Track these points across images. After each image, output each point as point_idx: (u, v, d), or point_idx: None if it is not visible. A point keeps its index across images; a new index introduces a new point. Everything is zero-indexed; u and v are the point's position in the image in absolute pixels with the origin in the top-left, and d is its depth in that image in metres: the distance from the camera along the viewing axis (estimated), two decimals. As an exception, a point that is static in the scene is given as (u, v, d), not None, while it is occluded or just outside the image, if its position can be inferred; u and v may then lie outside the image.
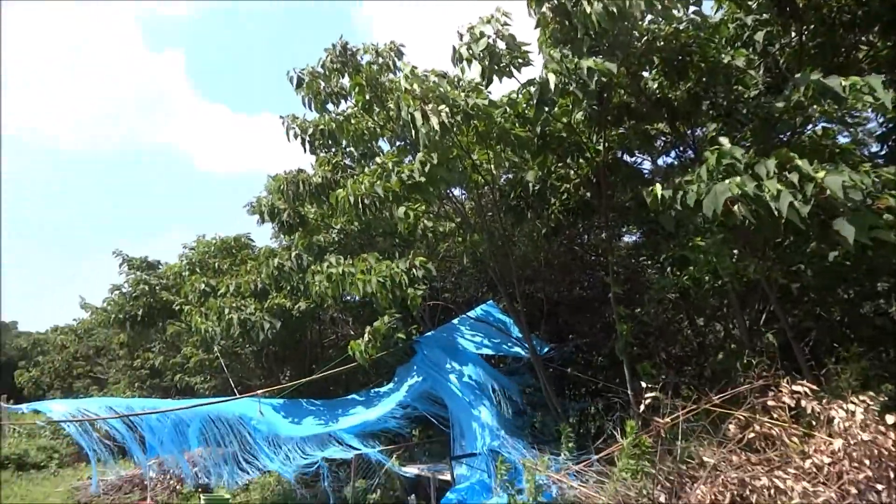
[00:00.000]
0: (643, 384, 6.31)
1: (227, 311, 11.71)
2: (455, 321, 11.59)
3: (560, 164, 9.26)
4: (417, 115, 6.91)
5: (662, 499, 5.76)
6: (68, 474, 17.91)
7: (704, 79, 7.50)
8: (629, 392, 8.36)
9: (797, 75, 6.06)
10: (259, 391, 10.33)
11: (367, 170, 8.82)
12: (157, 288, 15.70)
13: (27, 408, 9.45)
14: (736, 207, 5.25)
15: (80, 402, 10.20)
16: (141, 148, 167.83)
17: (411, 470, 10.29)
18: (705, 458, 5.71)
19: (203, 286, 13.25)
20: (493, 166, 9.19)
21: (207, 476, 13.24)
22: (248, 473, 11.42)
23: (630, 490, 5.96)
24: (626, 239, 12.54)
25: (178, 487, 12.87)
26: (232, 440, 10.00)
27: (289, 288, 11.83)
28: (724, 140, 5.88)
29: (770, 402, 5.75)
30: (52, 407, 9.17)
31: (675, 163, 9.23)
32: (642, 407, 6.08)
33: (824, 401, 5.42)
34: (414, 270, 8.36)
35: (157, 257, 18.01)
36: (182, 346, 18.10)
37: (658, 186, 6.07)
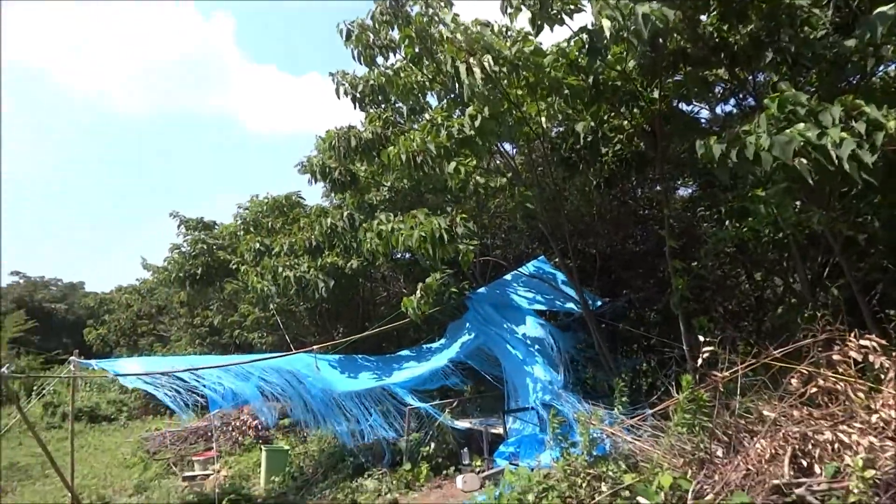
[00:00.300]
0: (700, 338, 6.18)
1: (281, 269, 11.94)
2: (507, 277, 11.55)
3: (613, 115, 8.99)
4: (461, 66, 6.77)
5: (720, 452, 5.68)
6: (137, 426, 18.86)
7: (766, 20, 7.11)
8: (684, 347, 8.23)
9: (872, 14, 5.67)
10: (314, 347, 10.55)
11: (417, 125, 8.73)
12: (213, 247, 16.12)
13: (97, 364, 9.86)
14: (797, 160, 4.99)
15: (146, 360, 10.66)
16: (193, 111, 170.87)
17: (463, 424, 10.43)
18: (765, 413, 5.59)
19: (258, 245, 13.52)
20: (543, 119, 8.98)
21: (266, 428, 13.78)
22: (305, 426, 11.77)
23: (686, 444, 5.90)
24: (682, 193, 12.21)
25: (239, 439, 13.39)
26: (289, 394, 10.29)
27: (341, 246, 11.97)
28: (787, 86, 5.58)
29: (835, 357, 5.57)
30: (122, 366, 9.54)
31: (735, 111, 8.87)
32: (699, 361, 5.97)
33: (894, 354, 5.21)
34: (455, 226, 8.30)
35: (211, 218, 18.48)
36: (239, 304, 18.61)
37: (711, 140, 5.82)
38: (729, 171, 5.83)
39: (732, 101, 9.08)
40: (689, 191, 11.82)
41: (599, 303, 11.17)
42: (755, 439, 5.47)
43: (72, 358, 9.35)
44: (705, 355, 5.93)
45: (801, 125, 5.00)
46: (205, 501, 8.94)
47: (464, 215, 8.37)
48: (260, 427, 13.63)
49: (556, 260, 11.24)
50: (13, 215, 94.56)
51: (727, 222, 8.86)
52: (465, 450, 10.21)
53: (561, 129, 10.13)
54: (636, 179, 11.45)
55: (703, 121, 9.07)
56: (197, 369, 9.43)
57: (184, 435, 14.18)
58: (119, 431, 18.55)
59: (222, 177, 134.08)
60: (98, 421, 19.99)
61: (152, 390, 9.03)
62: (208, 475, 9.90)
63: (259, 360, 10.03)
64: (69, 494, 8.34)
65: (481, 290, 11.26)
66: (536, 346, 10.13)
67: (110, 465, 12.95)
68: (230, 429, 13.73)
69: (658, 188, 10.65)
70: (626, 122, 9.00)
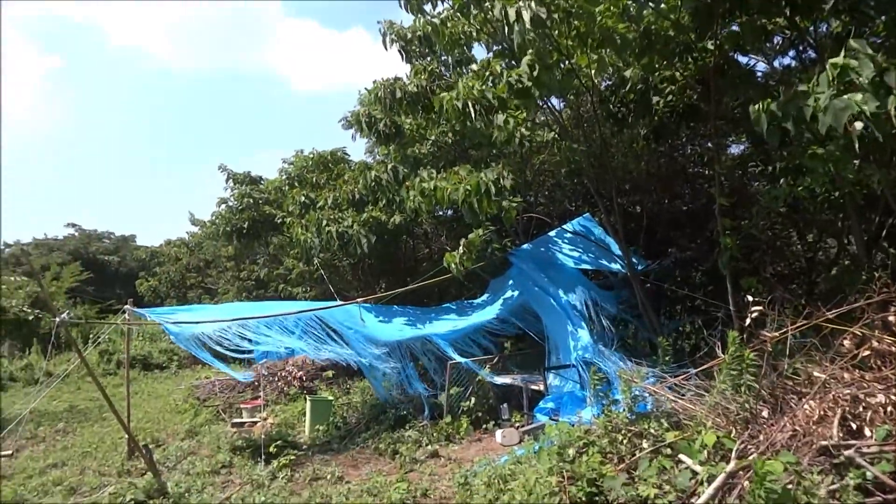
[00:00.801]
0: (749, 298, 6.04)
1: (325, 223, 12.05)
2: (551, 234, 11.42)
3: (665, 65, 8.67)
4: (510, 10, 6.59)
5: (765, 413, 5.61)
6: (187, 374, 19.53)
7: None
8: (731, 308, 8.07)
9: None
10: (359, 300, 10.69)
11: (471, 74, 8.55)
12: (259, 202, 16.34)
13: (149, 313, 10.18)
14: (854, 125, 4.74)
15: (195, 309, 10.95)
16: (237, 68, 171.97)
17: (504, 379, 10.49)
18: (815, 374, 5.47)
19: (303, 199, 13.66)
20: (593, 71, 8.73)
21: (311, 379, 14.11)
22: (348, 378, 12.02)
23: (731, 404, 5.83)
24: (733, 150, 11.82)
25: (285, 389, 13.74)
26: (332, 345, 10.49)
27: (384, 201, 12.01)
28: (859, 44, 5.25)
29: (890, 318, 5.40)
30: (173, 318, 9.82)
31: (794, 63, 8.47)
32: (748, 321, 5.84)
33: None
34: (502, 180, 8.19)
35: (257, 174, 18.69)
36: (284, 258, 18.94)
37: (764, 105, 5.55)
38: (777, 133, 5.58)
39: (791, 54, 8.68)
40: (741, 147, 11.44)
41: (644, 264, 11.00)
42: (803, 400, 5.38)
43: (126, 307, 9.68)
44: (754, 315, 5.81)
45: (859, 96, 4.74)
46: (253, 446, 9.24)
47: (511, 167, 8.26)
48: (304, 378, 13.96)
49: (602, 218, 11.05)
50: (66, 169, 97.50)
51: (781, 181, 8.58)
52: (505, 405, 10.30)
53: (610, 82, 9.85)
54: (686, 136, 11.12)
55: (759, 73, 8.69)
56: (245, 319, 9.66)
57: (232, 384, 14.62)
58: (170, 379, 19.25)
59: (265, 133, 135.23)
60: (150, 369, 20.77)
61: (194, 350, 9.32)
62: (255, 422, 10.20)
63: (305, 311, 10.21)
64: (126, 436, 8.72)
65: (525, 246, 11.18)
66: (579, 305, 10.06)
67: (163, 410, 13.48)
68: (276, 379, 14.10)
69: (709, 144, 10.33)
70: (678, 74, 8.69)
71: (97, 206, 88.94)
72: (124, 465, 8.75)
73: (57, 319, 7.37)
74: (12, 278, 16.33)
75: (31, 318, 18.28)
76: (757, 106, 5.54)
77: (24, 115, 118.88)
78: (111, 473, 8.51)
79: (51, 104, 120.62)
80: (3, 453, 6.60)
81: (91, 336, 19.58)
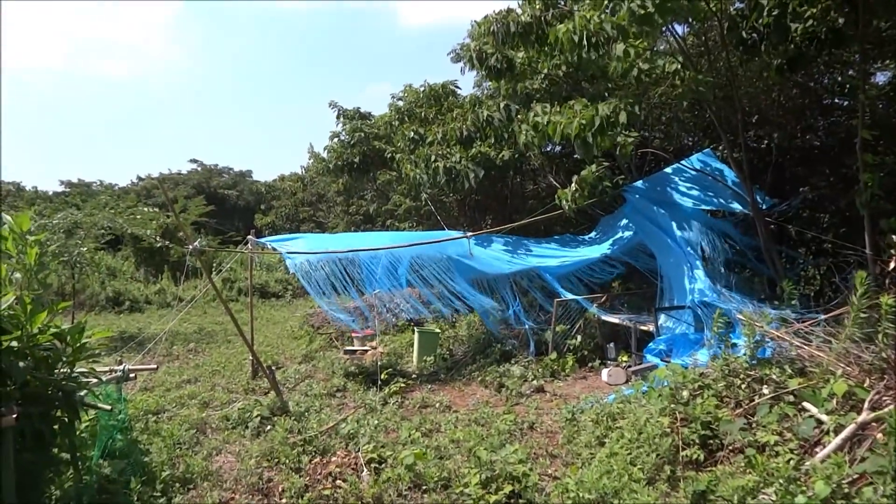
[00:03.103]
0: (894, 239, 5.53)
1: (433, 158, 12.07)
2: (668, 170, 10.89)
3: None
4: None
5: (904, 364, 5.20)
6: (301, 303, 20.56)
7: None
8: (867, 251, 7.45)
9: None
10: (468, 234, 10.75)
11: (587, 3, 8.12)
12: (370, 136, 16.57)
13: (269, 242, 10.71)
14: None
15: (311, 238, 11.38)
16: (348, 4, 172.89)
17: (612, 318, 10.33)
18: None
19: (412, 134, 13.70)
20: (724, -8, 8.05)
21: (418, 311, 14.45)
22: (456, 311, 12.24)
23: (864, 353, 5.45)
24: (878, 79, 10.68)
25: (393, 320, 14.16)
26: (439, 279, 10.67)
27: (493, 137, 11.84)
28: None
29: None
30: (289, 246, 10.26)
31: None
32: (892, 265, 5.37)
33: None
34: (618, 113, 7.81)
35: (367, 109, 18.87)
36: (392, 193, 19.24)
37: None
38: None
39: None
40: (888, 76, 10.33)
41: (770, 203, 10.32)
42: (951, 352, 4.94)
43: (249, 237, 10.22)
44: (898, 257, 5.33)
45: None
46: (364, 373, 9.66)
47: (629, 100, 7.85)
48: (412, 309, 14.30)
49: (724, 153, 10.40)
50: (187, 108, 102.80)
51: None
52: (612, 344, 10.18)
53: (741, 4, 9.05)
54: (824, 63, 10.13)
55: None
56: (357, 251, 9.96)
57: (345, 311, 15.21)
58: (286, 307, 20.35)
59: (373, 68, 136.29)
60: (268, 297, 22.04)
61: (304, 283, 9.76)
62: (366, 351, 10.62)
63: (417, 244, 10.38)
64: (251, 357, 9.34)
65: (639, 183, 10.74)
66: (697, 245, 9.63)
67: (280, 335, 14.31)
68: (385, 310, 14.52)
69: (851, 72, 9.37)
70: (821, -6, 7.83)
71: (217, 142, 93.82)
72: (249, 384, 9.41)
73: (189, 247, 7.88)
74: (145, 209, 17.53)
75: (161, 246, 19.74)
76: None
77: (152, 59, 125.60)
78: (238, 391, 9.17)
79: (171, 48, 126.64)
80: (148, 366, 7.25)
81: (214, 265, 21.00)
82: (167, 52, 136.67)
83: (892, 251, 5.58)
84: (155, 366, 7.84)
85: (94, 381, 5.05)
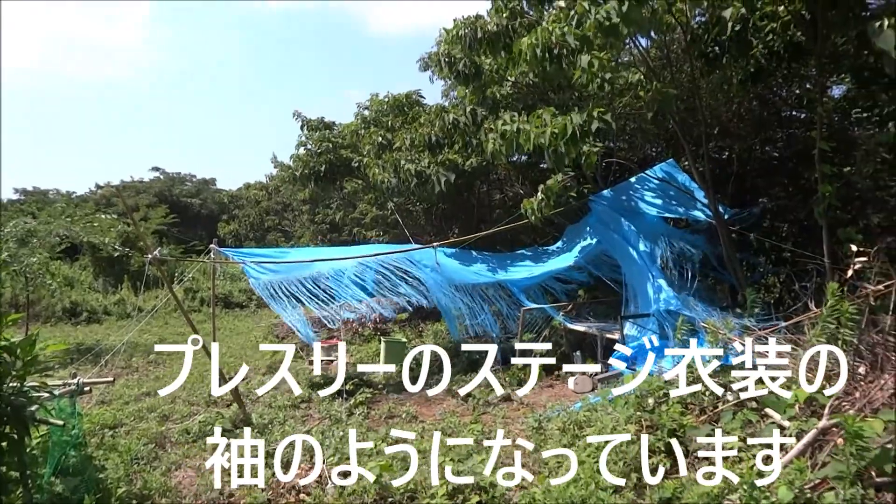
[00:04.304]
0: (853, 248, 5.65)
1: (403, 162, 12.02)
2: (632, 180, 11.03)
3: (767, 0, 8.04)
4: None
5: (862, 370, 5.32)
6: (266, 313, 20.21)
7: None
8: (825, 260, 7.62)
9: None
10: (434, 244, 10.71)
11: (554, 13, 8.16)
12: (337, 146, 16.45)
13: (233, 253, 10.54)
14: None
15: (273, 252, 11.24)
16: (316, 10, 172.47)
17: (579, 326, 10.37)
18: (921, 331, 5.12)
19: (380, 139, 13.66)
20: (687, 6, 8.18)
21: (385, 321, 14.35)
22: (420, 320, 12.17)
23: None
24: (834, 93, 10.98)
25: (359, 330, 14.05)
26: (404, 289, 10.58)
27: (461, 143, 11.84)
28: None
29: None
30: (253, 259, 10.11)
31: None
32: (850, 272, 5.48)
33: None
34: (590, 123, 7.85)
35: (330, 119, 18.71)
36: (359, 202, 19.13)
37: (889, 20, 5.02)
38: (898, 61, 5.03)
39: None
40: (843, 89, 10.62)
41: (732, 213, 10.51)
42: (907, 358, 5.05)
43: (212, 246, 10.01)
44: (857, 266, 5.44)
45: None
46: (330, 382, 9.50)
47: (601, 109, 7.88)
48: (378, 320, 14.21)
49: (686, 163, 10.57)
50: (149, 113, 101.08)
51: (889, 124, 7.93)
52: (578, 353, 10.21)
53: (703, 18, 9.24)
54: (783, 77, 10.38)
55: (871, 4, 7.93)
56: (320, 261, 9.85)
57: (309, 323, 15.05)
58: (250, 317, 20.05)
59: (341, 75, 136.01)
60: (231, 307, 21.69)
61: (266, 298, 9.64)
62: (332, 361, 10.48)
63: (382, 253, 10.30)
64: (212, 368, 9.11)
65: (605, 192, 10.84)
66: (660, 254, 9.75)
67: (244, 346, 14.05)
68: (350, 321, 14.41)
69: (809, 86, 9.61)
70: (781, 8, 8.02)
71: (178, 149, 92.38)
72: (211, 396, 9.19)
73: (149, 256, 7.68)
74: (104, 217, 17.12)
75: (121, 255, 19.27)
76: (884, 21, 4.98)
77: (120, 61, 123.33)
78: (199, 403, 8.96)
79: (142, 49, 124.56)
80: (104, 379, 7.04)
81: (176, 275, 20.59)
82: (137, 54, 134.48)
83: (850, 260, 5.68)
84: (112, 378, 7.64)
85: (46, 395, 4.85)
